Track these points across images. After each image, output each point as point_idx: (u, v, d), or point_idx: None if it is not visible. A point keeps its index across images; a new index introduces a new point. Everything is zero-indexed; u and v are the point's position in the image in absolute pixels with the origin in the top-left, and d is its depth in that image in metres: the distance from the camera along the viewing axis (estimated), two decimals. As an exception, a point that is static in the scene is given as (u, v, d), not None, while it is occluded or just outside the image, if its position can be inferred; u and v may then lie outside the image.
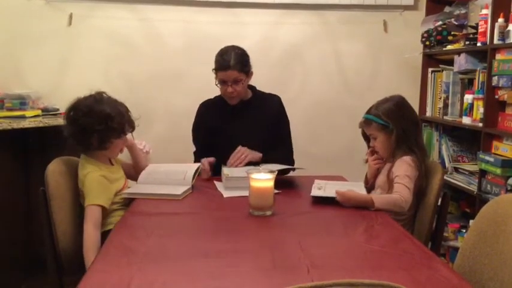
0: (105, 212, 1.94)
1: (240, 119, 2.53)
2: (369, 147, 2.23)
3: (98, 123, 1.95)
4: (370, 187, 2.18)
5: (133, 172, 2.23)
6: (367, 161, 2.24)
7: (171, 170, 2.19)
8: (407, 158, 2.04)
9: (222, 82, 2.45)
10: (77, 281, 1.21)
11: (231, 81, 2.43)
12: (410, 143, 2.07)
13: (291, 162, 2.57)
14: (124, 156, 2.23)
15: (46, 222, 1.87)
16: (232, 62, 2.40)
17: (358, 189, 2.05)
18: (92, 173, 1.95)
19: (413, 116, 2.17)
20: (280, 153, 2.48)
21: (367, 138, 2.21)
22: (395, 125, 2.05)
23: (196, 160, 2.54)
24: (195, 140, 2.65)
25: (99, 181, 1.94)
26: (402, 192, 1.93)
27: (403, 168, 2.01)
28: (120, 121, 2.00)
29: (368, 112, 2.14)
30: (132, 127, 2.09)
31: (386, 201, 1.90)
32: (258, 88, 2.63)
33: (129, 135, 2.14)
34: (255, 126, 2.51)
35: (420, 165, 2.04)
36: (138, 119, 2.09)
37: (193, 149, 2.66)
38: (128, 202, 1.99)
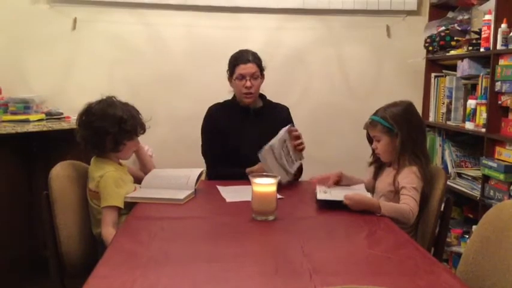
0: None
1: (251, 127, 2.53)
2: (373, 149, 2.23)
3: (112, 126, 1.99)
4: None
5: (141, 176, 2.24)
6: (371, 164, 2.24)
7: (174, 175, 2.19)
8: (414, 169, 2.02)
9: (241, 77, 2.47)
10: (80, 284, 1.22)
11: (250, 75, 2.46)
12: (415, 149, 2.06)
13: (300, 173, 2.56)
14: (128, 161, 2.24)
15: (49, 226, 1.87)
16: (251, 57, 2.50)
17: (362, 192, 2.06)
18: (109, 173, 1.99)
19: (420, 123, 2.15)
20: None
21: (371, 140, 2.21)
22: (400, 130, 2.04)
23: (212, 166, 2.54)
24: (205, 142, 2.60)
25: (116, 182, 1.98)
26: (411, 204, 1.92)
27: (410, 179, 2.00)
28: (133, 123, 2.05)
29: (375, 114, 2.13)
30: (143, 129, 2.12)
31: (393, 209, 1.89)
32: (263, 93, 2.63)
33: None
34: (264, 135, 2.49)
35: (425, 174, 2.03)
36: (148, 121, 2.12)
37: (199, 152, 2.62)
38: (132, 206, 1.99)
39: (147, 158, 2.32)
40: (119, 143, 2.03)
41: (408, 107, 2.12)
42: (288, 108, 2.68)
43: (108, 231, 1.88)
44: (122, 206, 1.96)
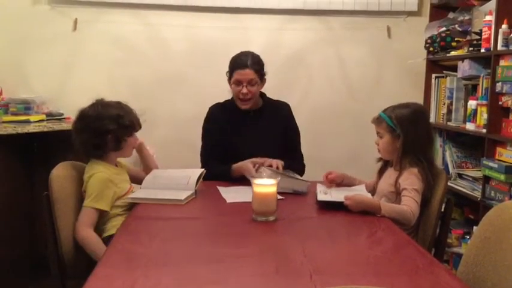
0: (108, 216, 1.97)
1: (252, 127, 2.52)
2: None
3: (111, 124, 2.00)
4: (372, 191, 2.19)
5: (143, 177, 2.22)
6: (379, 159, 2.23)
7: (175, 175, 2.19)
8: (415, 170, 2.02)
9: (237, 83, 2.43)
10: (80, 284, 1.22)
11: (247, 82, 2.41)
12: (417, 153, 2.04)
13: (303, 172, 2.55)
14: (130, 162, 2.24)
15: (49, 226, 1.87)
16: (250, 62, 2.42)
17: (363, 192, 2.06)
18: (97, 174, 1.98)
19: (427, 129, 2.12)
20: (297, 166, 2.48)
21: None
22: (403, 132, 2.03)
23: (204, 162, 2.52)
24: (204, 142, 2.58)
25: (103, 183, 1.97)
26: (412, 206, 1.91)
27: (411, 181, 1.99)
28: (130, 118, 2.06)
29: (384, 110, 2.13)
30: (139, 125, 2.14)
31: (394, 210, 1.89)
32: (263, 91, 2.63)
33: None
34: (266, 135, 2.50)
35: (427, 177, 2.02)
36: (142, 115, 2.14)
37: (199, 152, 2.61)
38: (131, 207, 1.99)
39: (150, 158, 2.33)
40: (120, 140, 2.04)
41: (417, 110, 2.11)
42: (288, 105, 2.67)
43: (87, 232, 1.88)
44: (106, 209, 1.95)
